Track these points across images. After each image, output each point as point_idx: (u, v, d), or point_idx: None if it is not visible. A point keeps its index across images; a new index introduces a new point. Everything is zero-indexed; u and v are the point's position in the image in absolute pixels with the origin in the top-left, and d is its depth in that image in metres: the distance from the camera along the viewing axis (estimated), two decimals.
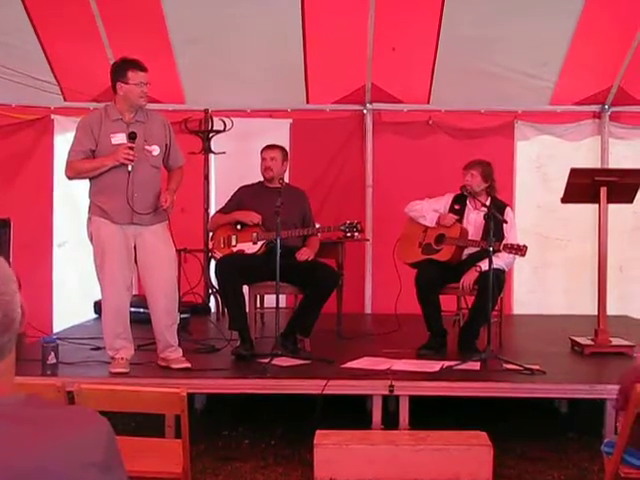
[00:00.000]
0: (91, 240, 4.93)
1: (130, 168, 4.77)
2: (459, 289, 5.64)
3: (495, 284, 5.23)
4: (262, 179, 5.91)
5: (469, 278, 5.54)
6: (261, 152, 5.91)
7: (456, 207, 5.85)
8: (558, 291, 7.92)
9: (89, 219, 4.93)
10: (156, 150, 4.94)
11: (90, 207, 4.93)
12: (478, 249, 5.59)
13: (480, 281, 5.46)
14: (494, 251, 5.23)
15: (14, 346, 1.36)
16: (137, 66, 4.83)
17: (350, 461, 4.32)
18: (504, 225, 5.52)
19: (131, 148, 4.76)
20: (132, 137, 4.79)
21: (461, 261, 5.71)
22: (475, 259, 5.60)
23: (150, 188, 4.94)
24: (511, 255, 5.44)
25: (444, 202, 5.92)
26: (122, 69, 4.85)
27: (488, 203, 5.61)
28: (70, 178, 4.98)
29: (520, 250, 5.30)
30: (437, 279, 5.64)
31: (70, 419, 1.34)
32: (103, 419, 1.35)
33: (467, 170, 5.76)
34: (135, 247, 4.92)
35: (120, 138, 4.84)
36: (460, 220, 5.80)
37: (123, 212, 4.84)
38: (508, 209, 5.78)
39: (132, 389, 3.56)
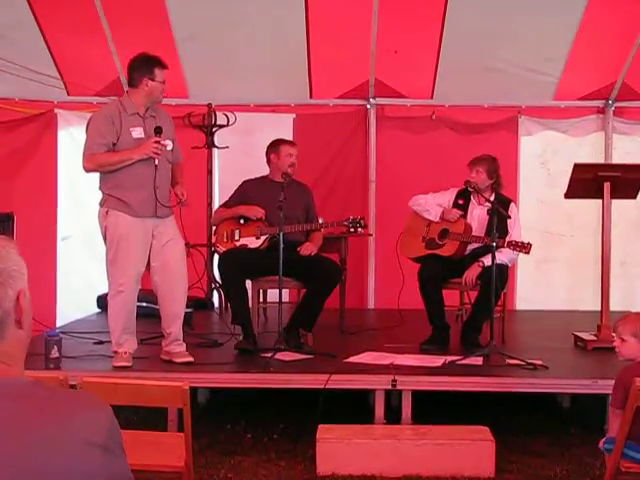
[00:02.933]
0: (105, 233, 4.90)
1: (157, 162, 4.81)
2: (462, 284, 5.64)
3: (498, 279, 5.22)
4: (266, 174, 5.91)
5: (472, 273, 5.54)
6: (280, 147, 5.82)
7: (460, 202, 5.84)
8: (561, 287, 7.91)
9: (105, 212, 4.88)
10: (170, 145, 4.96)
11: (105, 200, 4.89)
12: (481, 244, 5.58)
13: (483, 276, 5.46)
14: (497, 247, 5.23)
15: (5, 337, 1.39)
16: (162, 64, 4.88)
17: (352, 456, 4.32)
18: (508, 221, 5.51)
19: (158, 142, 4.79)
20: (158, 131, 4.82)
21: (464, 256, 5.71)
22: (478, 254, 5.59)
23: (167, 182, 5.00)
24: (514, 251, 5.44)
25: (448, 197, 5.91)
26: (150, 65, 4.85)
27: (492, 199, 5.60)
28: (88, 170, 4.93)
29: (524, 248, 5.28)
30: (440, 274, 5.64)
31: (75, 401, 1.39)
32: (106, 405, 1.40)
33: (473, 166, 5.74)
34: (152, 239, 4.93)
35: (139, 132, 4.86)
36: (464, 215, 5.79)
37: (148, 205, 4.85)
38: (512, 205, 5.77)
39: (135, 382, 3.57)
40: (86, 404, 1.39)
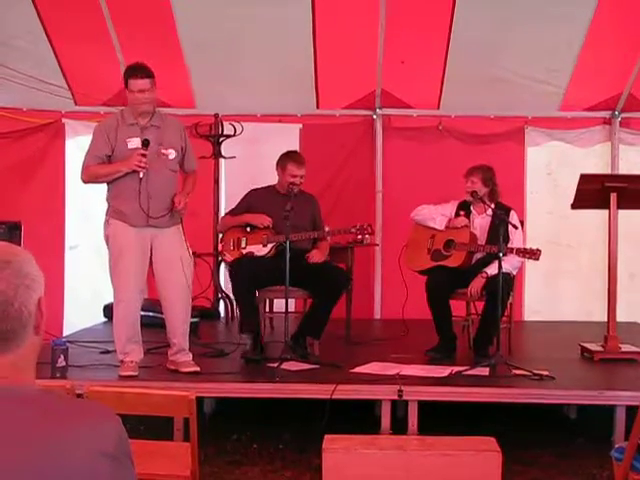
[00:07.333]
0: (107, 242, 4.97)
1: (142, 175, 4.82)
2: (467, 295, 5.64)
3: (503, 289, 5.22)
4: (273, 183, 5.91)
5: (476, 285, 5.53)
6: (287, 164, 5.73)
7: (461, 214, 5.85)
8: (570, 298, 7.88)
9: (107, 221, 4.96)
10: (172, 154, 4.97)
11: (108, 210, 4.98)
12: (487, 253, 5.58)
13: (488, 287, 5.46)
14: (504, 254, 5.23)
15: (25, 341, 1.40)
16: (135, 74, 4.85)
17: (358, 466, 4.31)
18: (509, 227, 5.52)
19: (144, 155, 4.80)
20: (145, 144, 4.84)
21: (470, 266, 5.71)
22: (483, 264, 5.60)
23: (166, 192, 4.98)
24: (517, 258, 5.45)
25: (449, 208, 5.92)
26: (125, 77, 4.90)
27: (493, 207, 5.62)
28: (86, 182, 5.03)
29: (534, 254, 5.28)
30: (447, 284, 5.64)
31: (84, 411, 1.40)
32: (115, 414, 1.40)
33: (467, 177, 5.78)
34: (151, 249, 4.95)
35: (135, 142, 4.88)
36: (467, 226, 5.80)
37: (138, 216, 4.87)
38: (513, 212, 5.77)
39: (141, 392, 3.56)
40: (95, 414, 1.39)
